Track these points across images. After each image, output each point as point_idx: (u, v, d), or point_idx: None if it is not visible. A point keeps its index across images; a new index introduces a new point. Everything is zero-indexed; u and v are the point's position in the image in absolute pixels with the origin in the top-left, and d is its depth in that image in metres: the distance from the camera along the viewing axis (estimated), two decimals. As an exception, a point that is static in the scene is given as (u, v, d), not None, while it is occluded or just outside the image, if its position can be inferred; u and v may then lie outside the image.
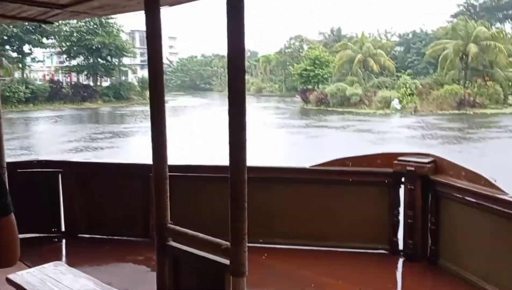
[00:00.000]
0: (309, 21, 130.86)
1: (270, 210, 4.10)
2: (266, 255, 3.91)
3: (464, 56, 39.44)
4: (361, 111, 35.79)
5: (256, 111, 38.14)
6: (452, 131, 24.27)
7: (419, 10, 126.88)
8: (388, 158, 3.94)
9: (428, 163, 3.73)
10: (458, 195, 3.48)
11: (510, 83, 39.86)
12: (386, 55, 45.80)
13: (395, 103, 35.67)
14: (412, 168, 3.76)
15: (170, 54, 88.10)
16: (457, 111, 34.79)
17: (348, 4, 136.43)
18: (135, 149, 18.48)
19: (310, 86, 43.24)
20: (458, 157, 15.67)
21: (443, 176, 3.66)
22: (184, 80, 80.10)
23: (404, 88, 37.46)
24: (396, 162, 3.88)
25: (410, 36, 57.24)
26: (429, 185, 3.71)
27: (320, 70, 42.20)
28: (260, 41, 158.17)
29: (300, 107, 43.07)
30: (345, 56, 44.36)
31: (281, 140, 21.17)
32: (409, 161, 3.80)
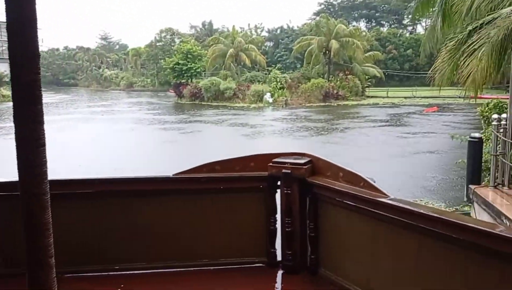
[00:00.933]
0: (180, 14, 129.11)
1: (128, 230, 3.40)
2: (123, 285, 3.23)
3: (327, 52, 42.08)
4: (235, 105, 36.06)
5: (127, 107, 36.19)
6: (321, 123, 25.51)
7: (285, 7, 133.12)
8: (262, 160, 3.51)
9: (305, 164, 3.37)
10: (337, 199, 3.18)
11: (366, 77, 43.65)
12: (257, 50, 46.83)
13: (267, 97, 36.64)
14: (288, 171, 3.36)
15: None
16: (323, 103, 36.97)
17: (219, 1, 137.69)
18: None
19: (183, 80, 42.35)
20: (330, 148, 16.51)
21: (320, 178, 3.33)
22: (44, 75, 73.06)
23: (275, 82, 38.68)
24: (270, 164, 3.46)
25: (278, 31, 59.54)
26: (307, 188, 3.36)
27: (193, 64, 41.56)
28: (129, 33, 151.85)
29: (174, 102, 42.04)
30: (218, 50, 44.33)
31: (154, 138, 20.13)
32: (284, 163, 3.41)
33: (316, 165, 3.35)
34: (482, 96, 26.01)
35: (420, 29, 66.20)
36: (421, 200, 8.93)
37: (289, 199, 3.34)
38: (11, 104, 1.32)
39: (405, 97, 42.83)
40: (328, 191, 3.18)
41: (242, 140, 18.79)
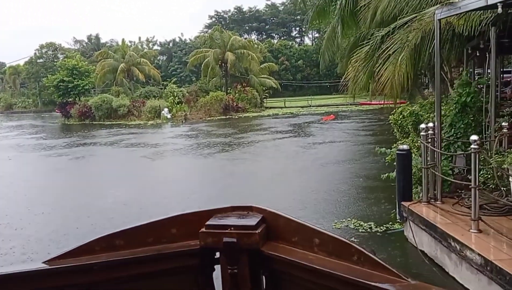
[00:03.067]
0: (62, 28, 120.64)
1: None
2: None
3: (223, 64, 41.52)
4: (131, 123, 33.76)
5: (5, 132, 32.10)
6: (225, 137, 24.55)
7: (176, 20, 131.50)
8: (188, 223, 2.25)
9: (257, 225, 2.17)
10: (313, 282, 2.05)
11: (263, 88, 43.86)
12: (150, 64, 44.81)
13: (165, 112, 34.90)
14: (232, 239, 2.14)
15: None
16: (223, 116, 36.17)
17: (104, 12, 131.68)
18: None
19: (70, 99, 38.84)
20: (240, 166, 15.52)
21: (282, 246, 2.16)
22: None
23: (172, 97, 37.08)
24: (203, 230, 2.20)
25: (171, 45, 57.90)
26: (262, 264, 2.17)
27: (80, 80, 38.27)
28: (5, 50, 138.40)
29: (61, 123, 38.37)
30: (107, 65, 41.55)
31: (36, 167, 17.50)
32: (225, 227, 2.17)
33: (273, 226, 2.16)
34: (376, 102, 27.28)
35: (307, 41, 69.08)
36: (348, 220, 8.20)
37: (235, 281, 2.13)
38: None
39: (302, 107, 43.80)
40: (297, 269, 2.04)
41: (142, 162, 17.05)
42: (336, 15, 14.22)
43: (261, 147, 19.84)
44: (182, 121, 34.09)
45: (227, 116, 36.24)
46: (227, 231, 2.01)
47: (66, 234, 8.43)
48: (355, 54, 9.87)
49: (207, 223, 2.08)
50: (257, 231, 2.02)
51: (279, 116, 36.61)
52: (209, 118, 35.01)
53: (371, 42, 9.29)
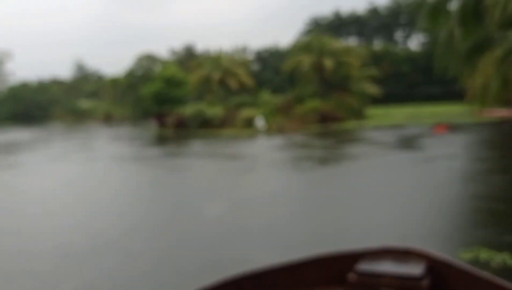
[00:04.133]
0: (159, 39, 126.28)
1: None
2: None
3: (320, 71, 39.13)
4: (224, 133, 32.56)
5: (104, 141, 32.47)
6: (323, 149, 22.17)
7: (271, 27, 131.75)
8: (330, 264, 1.85)
9: (423, 275, 1.46)
10: None
11: (363, 96, 40.66)
12: (243, 72, 43.76)
13: (259, 122, 33.25)
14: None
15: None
16: (320, 127, 33.72)
17: (200, 22, 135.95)
18: None
19: (166, 109, 38.90)
20: (349, 184, 13.12)
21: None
22: (15, 110, 68.66)
23: (267, 106, 35.42)
24: (352, 276, 1.43)
25: (266, 52, 56.76)
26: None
27: (176, 90, 38.09)
28: (107, 63, 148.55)
29: (157, 132, 38.39)
30: (201, 75, 41.11)
31: (133, 179, 16.38)
32: (381, 275, 1.44)
33: (443, 277, 1.47)
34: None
35: (413, 45, 64.19)
36: (476, 250, 6.21)
37: None
38: None
39: (407, 116, 39.87)
40: None
41: (238, 176, 15.25)
42: (454, 15, 12.31)
43: (367, 161, 17.15)
44: (276, 131, 32.20)
45: (324, 126, 33.69)
46: (383, 280, 1.46)
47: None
48: (479, 58, 8.32)
49: (357, 267, 1.57)
50: (422, 283, 1.45)
51: (382, 126, 33.30)
52: (304, 128, 32.73)
53: (504, 45, 7.58)
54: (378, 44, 61.45)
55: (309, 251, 1.82)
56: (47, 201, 12.89)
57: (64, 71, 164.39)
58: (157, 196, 13.01)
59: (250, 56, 54.62)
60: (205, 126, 35.08)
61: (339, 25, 65.41)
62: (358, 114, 39.21)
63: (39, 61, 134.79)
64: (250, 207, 10.66)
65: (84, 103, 67.19)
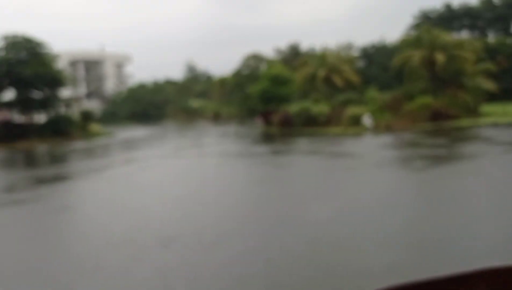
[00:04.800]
0: (265, 39, 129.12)
1: None
2: None
3: (430, 66, 37.24)
4: (330, 131, 32.51)
5: (213, 138, 34.29)
6: (437, 149, 21.17)
7: (377, 23, 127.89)
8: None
9: None
10: None
11: (478, 92, 37.88)
12: (350, 69, 43.21)
13: (366, 120, 32.65)
14: None
15: (119, 82, 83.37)
16: (431, 125, 32.14)
17: (304, 20, 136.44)
18: (58, 200, 14.04)
19: (271, 107, 39.90)
20: (471, 186, 12.27)
21: None
22: (134, 109, 75.04)
23: (374, 103, 34.64)
24: None
25: (372, 49, 55.34)
26: None
27: (281, 89, 38.86)
28: (216, 64, 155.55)
29: (262, 130, 39.52)
30: (307, 73, 41.40)
31: (243, 175, 17.22)
32: None
33: None
34: None
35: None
36: None
37: None
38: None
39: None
40: None
41: (348, 175, 15.24)
42: None
43: (485, 161, 16.07)
44: (384, 129, 31.37)
45: (436, 124, 32.03)
46: None
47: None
48: None
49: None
50: None
51: (499, 124, 30.82)
52: (415, 126, 31.44)
53: None
54: (492, 37, 56.61)
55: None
56: (168, 192, 14.16)
57: (176, 73, 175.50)
58: (268, 193, 13.54)
59: (356, 53, 53.60)
60: (310, 124, 35.31)
61: (450, 17, 61.41)
62: (472, 111, 36.60)
63: (155, 64, 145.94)
64: (365, 208, 10.64)
65: (194, 102, 71.31)
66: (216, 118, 63.12)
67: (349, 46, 53.58)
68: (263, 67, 52.27)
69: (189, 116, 69.60)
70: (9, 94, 39.98)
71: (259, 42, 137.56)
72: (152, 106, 75.43)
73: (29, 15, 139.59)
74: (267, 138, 33.15)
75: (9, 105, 39.87)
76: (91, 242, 9.01)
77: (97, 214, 11.62)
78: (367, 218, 9.42)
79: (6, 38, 37.95)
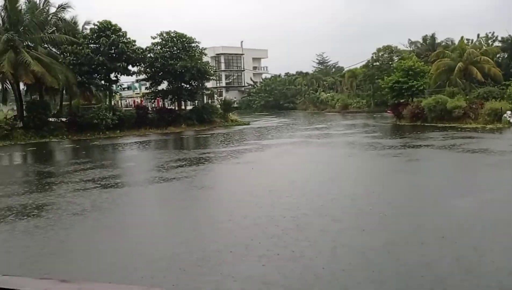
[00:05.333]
0: (398, 31, 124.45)
1: None
2: None
3: None
4: (466, 126, 31.31)
5: (342, 130, 35.24)
6: None
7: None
8: None
9: None
10: None
11: None
12: (490, 62, 40.56)
13: (508, 116, 30.74)
14: None
15: (254, 75, 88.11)
16: None
17: (440, 11, 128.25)
18: (207, 179, 16.70)
19: (402, 100, 39.40)
20: None
21: None
22: (267, 100, 79.05)
23: (517, 98, 32.34)
24: None
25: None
26: None
27: (415, 81, 38.15)
28: (346, 56, 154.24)
29: (392, 123, 39.30)
30: (443, 65, 39.99)
31: (374, 166, 18.16)
32: None
33: None
34: None
35: None
36: None
37: None
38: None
39: None
40: None
41: (489, 171, 15.22)
42: None
43: None
44: (529, 126, 29.25)
45: None
46: None
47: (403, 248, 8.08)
48: None
49: None
50: None
51: None
52: None
53: None
54: None
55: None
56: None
57: (307, 66, 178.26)
58: (404, 185, 14.41)
59: (497, 45, 49.68)
60: (444, 118, 34.30)
61: None
62: None
63: (288, 57, 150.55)
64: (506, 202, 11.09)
65: (323, 94, 72.59)
66: (345, 110, 63.61)
67: (491, 38, 49.88)
68: (395, 60, 51.37)
69: (318, 107, 71.16)
70: (163, 85, 45.64)
71: (391, 36, 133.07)
72: (283, 97, 78.71)
73: (182, 16, 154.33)
74: (398, 130, 33.10)
75: (163, 94, 45.56)
76: (232, 215, 11.08)
77: (234, 192, 13.79)
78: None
79: (161, 35, 43.32)
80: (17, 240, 9.34)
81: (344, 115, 58.21)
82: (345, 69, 77.63)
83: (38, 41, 37.38)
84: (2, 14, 36.84)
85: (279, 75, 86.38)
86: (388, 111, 44.47)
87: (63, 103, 43.81)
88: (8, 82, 38.20)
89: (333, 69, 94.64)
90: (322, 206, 10.86)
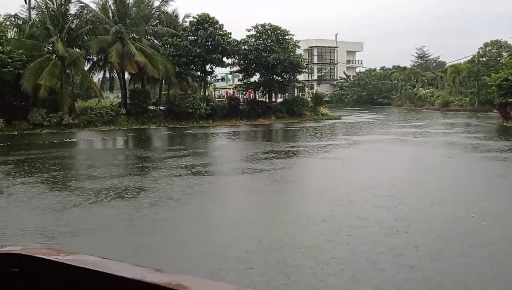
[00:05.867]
0: (508, 25, 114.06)
1: None
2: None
3: None
4: None
5: (441, 129, 33.10)
6: None
7: None
8: None
9: None
10: None
11: None
12: None
13: None
14: None
15: (348, 69, 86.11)
16: None
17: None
18: (296, 173, 16.55)
19: (511, 99, 35.96)
20: None
21: None
22: (360, 94, 76.79)
23: None
24: None
25: None
26: None
27: (528, 79, 34.61)
28: (448, 50, 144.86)
29: (498, 124, 36.11)
30: None
31: (475, 169, 16.73)
32: None
33: None
34: None
35: None
36: None
37: None
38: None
39: None
40: None
41: None
42: None
43: None
44: None
45: None
46: None
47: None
48: None
49: None
50: None
51: None
52: None
53: None
54: None
55: None
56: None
57: (405, 60, 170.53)
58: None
59: None
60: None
61: None
62: None
63: (383, 50, 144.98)
64: None
65: (422, 90, 68.80)
66: (445, 107, 59.74)
67: None
68: (504, 56, 47.03)
69: (415, 104, 67.64)
70: (255, 77, 46.23)
71: (500, 30, 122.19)
72: (378, 92, 75.95)
73: (276, 8, 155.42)
74: (504, 132, 30.33)
75: (254, 86, 46.18)
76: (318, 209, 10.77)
77: (323, 188, 13.43)
78: None
79: (256, 27, 43.80)
80: (120, 219, 9.96)
81: (444, 113, 54.69)
82: (447, 64, 72.88)
83: (143, 33, 39.74)
84: (112, 7, 39.66)
85: (374, 69, 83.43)
86: (494, 110, 40.97)
87: (162, 92, 46.21)
88: (115, 71, 41.12)
89: (434, 64, 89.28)
90: (420, 213, 10.20)
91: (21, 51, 33.79)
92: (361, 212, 9.90)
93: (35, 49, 35.28)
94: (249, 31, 43.97)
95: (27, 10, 38.74)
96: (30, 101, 33.84)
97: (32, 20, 37.24)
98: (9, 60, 32.36)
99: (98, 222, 9.77)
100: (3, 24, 37.77)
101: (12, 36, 37.63)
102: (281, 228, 9.25)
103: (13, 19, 38.25)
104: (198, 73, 42.30)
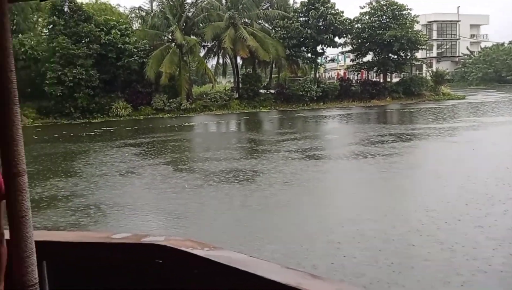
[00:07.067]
0: None
1: None
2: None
3: None
4: None
5: None
6: None
7: None
8: None
9: None
10: None
11: None
12: None
13: None
14: None
15: (471, 44, 78.73)
16: None
17: None
18: (418, 158, 15.36)
19: None
20: None
21: None
22: (486, 72, 69.72)
23: None
24: None
25: None
26: None
27: None
28: None
29: None
30: None
31: None
32: None
33: None
34: None
35: None
36: None
37: None
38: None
39: None
40: None
41: None
42: None
43: None
44: None
45: None
46: None
47: None
48: None
49: None
50: None
51: None
52: None
53: None
54: None
55: None
56: None
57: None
58: None
59: None
60: None
61: None
62: None
63: None
64: None
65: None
66: None
67: None
68: None
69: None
70: (368, 57, 44.26)
71: None
72: (507, 69, 68.29)
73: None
74: None
75: (367, 66, 44.25)
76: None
77: (450, 176, 12.12)
78: None
79: (370, 4, 41.72)
80: (253, 199, 10.06)
81: None
82: None
83: (254, 17, 40.14)
84: (225, -7, 40.63)
85: (503, 44, 74.91)
86: None
87: (272, 75, 46.48)
88: (227, 56, 42.25)
89: None
90: None
91: (145, 41, 36.18)
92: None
93: (157, 39, 37.61)
94: (362, 8, 42.14)
95: (149, 1, 41.43)
96: (153, 87, 36.20)
97: (153, 11, 39.71)
98: (135, 50, 34.84)
99: (228, 201, 9.99)
100: (129, 16, 40.86)
101: (137, 27, 40.52)
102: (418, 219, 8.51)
103: (137, 11, 41.21)
104: (309, 54, 41.67)
